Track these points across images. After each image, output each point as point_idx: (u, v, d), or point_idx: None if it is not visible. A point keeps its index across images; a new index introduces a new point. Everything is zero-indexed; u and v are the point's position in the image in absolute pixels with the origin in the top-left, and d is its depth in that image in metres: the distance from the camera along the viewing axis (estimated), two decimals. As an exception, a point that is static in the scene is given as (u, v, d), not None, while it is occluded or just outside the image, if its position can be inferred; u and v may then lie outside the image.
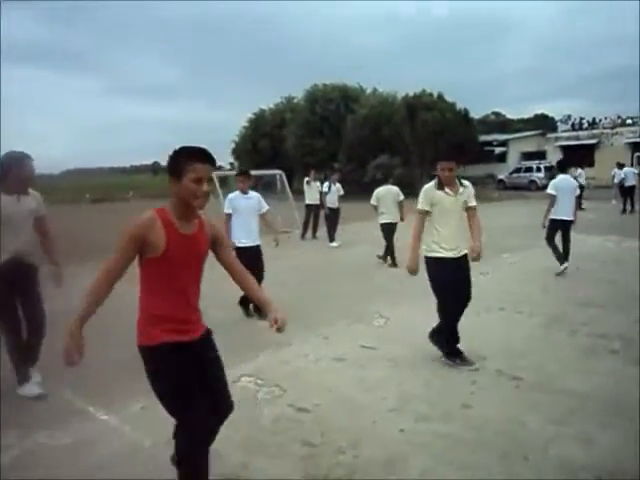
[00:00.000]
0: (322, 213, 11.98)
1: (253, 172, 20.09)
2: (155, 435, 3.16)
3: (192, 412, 2.33)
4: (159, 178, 55.67)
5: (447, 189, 4.23)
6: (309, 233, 12.71)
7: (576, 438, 3.13)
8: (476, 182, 29.90)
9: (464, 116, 29.41)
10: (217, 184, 14.48)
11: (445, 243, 4.25)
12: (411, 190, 27.70)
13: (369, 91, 31.84)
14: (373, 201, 9.14)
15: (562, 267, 7.59)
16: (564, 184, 7.73)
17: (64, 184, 50.63)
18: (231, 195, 5.97)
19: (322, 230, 12.29)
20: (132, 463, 3.00)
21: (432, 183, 4.32)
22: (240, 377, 4.19)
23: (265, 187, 26.28)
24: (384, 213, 8.97)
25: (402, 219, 8.95)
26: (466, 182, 4.43)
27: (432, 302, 4.50)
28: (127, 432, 3.40)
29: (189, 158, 2.28)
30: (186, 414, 2.34)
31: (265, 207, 6.11)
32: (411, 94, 29.39)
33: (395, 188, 9.09)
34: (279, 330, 2.52)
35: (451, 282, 4.27)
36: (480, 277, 7.67)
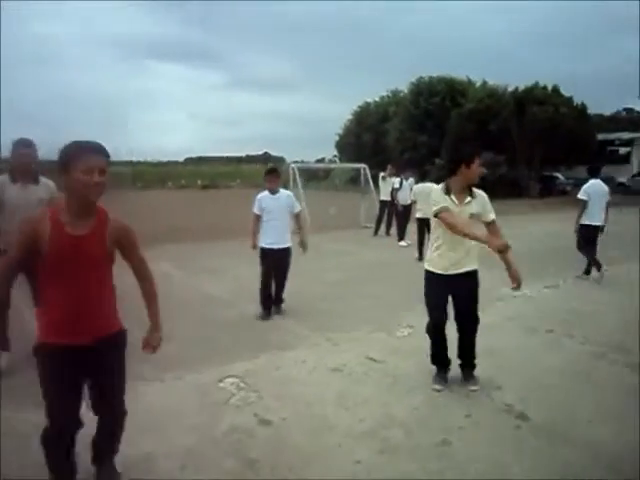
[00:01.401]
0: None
1: (338, 165, 20.26)
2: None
3: (54, 413, 2.27)
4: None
5: (453, 196, 3.67)
6: (382, 230, 12.28)
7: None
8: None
9: (580, 111, 26.71)
10: (297, 175, 14.52)
11: (439, 257, 3.73)
12: (516, 190, 25.90)
13: (478, 84, 30.10)
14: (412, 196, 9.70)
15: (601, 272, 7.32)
16: (595, 189, 7.51)
17: (185, 171, 54.38)
18: (259, 195, 5.78)
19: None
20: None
21: (440, 186, 3.78)
22: (225, 378, 4.03)
23: (354, 180, 26.19)
24: (421, 210, 9.08)
25: None
26: (479, 191, 3.79)
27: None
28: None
29: (78, 150, 2.16)
30: (50, 413, 2.28)
31: (297, 207, 5.88)
32: (522, 87, 27.27)
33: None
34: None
35: (437, 301, 3.80)
36: (544, 291, 6.87)
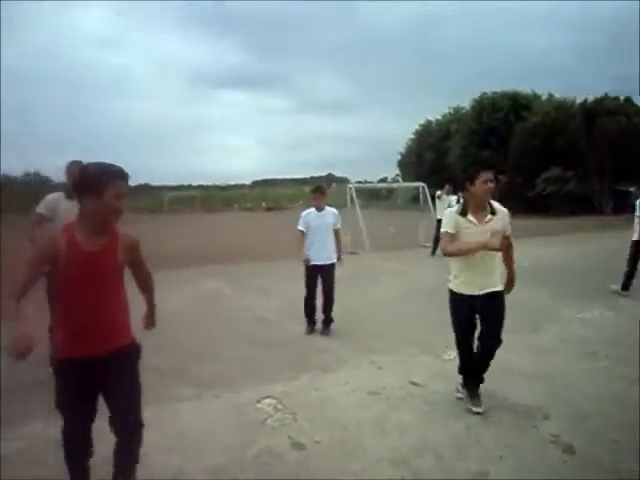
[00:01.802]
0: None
1: (396, 184, 20.08)
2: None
3: (66, 423, 2.44)
4: (331, 189, 58.22)
5: (471, 216, 3.53)
6: (439, 250, 12.00)
7: None
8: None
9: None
10: (354, 195, 14.53)
11: (458, 278, 3.62)
12: (588, 207, 24.64)
13: (544, 97, 29.10)
14: None
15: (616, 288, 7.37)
16: None
17: (251, 194, 56.22)
18: (305, 212, 5.86)
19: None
20: None
21: (455, 208, 3.67)
22: (263, 398, 4.04)
23: (416, 199, 25.83)
24: None
25: None
26: (499, 206, 3.64)
27: (525, 340, 3.83)
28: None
29: (110, 176, 2.26)
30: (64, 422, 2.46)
31: (338, 224, 5.90)
32: (591, 99, 26.07)
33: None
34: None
35: (465, 323, 3.70)
36: (605, 314, 6.44)
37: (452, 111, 36.87)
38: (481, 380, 3.82)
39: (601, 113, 24.40)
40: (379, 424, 3.59)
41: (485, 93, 31.53)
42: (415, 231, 15.19)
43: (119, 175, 2.30)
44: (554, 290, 7.79)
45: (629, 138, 22.57)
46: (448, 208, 3.97)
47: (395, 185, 26.59)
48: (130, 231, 2.52)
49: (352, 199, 14.60)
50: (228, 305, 7.17)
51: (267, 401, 4.00)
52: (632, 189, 25.76)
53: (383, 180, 43.98)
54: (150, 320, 2.85)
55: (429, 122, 38.63)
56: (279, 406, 3.91)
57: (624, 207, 24.44)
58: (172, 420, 3.66)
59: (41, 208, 4.45)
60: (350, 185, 15.22)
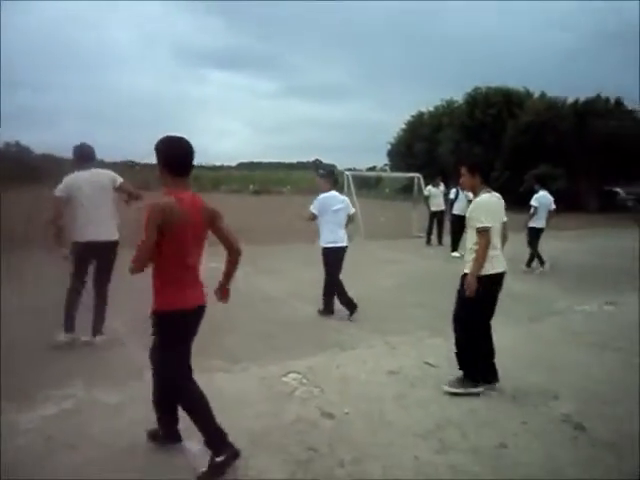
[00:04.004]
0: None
1: (392, 174, 20.21)
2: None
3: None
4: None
5: None
6: (434, 239, 12.34)
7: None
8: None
9: (644, 125, 25.69)
10: (351, 182, 14.71)
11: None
12: (575, 204, 25.10)
13: (536, 95, 29.48)
14: None
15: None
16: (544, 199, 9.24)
17: (237, 176, 55.77)
18: (322, 196, 5.99)
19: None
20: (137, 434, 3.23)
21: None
22: (288, 373, 4.25)
23: (405, 189, 26.12)
24: None
25: None
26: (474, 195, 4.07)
27: (528, 330, 4.06)
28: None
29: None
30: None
31: (352, 209, 6.22)
32: (583, 99, 26.51)
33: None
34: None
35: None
36: (604, 308, 6.78)
37: (445, 104, 37.13)
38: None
39: (591, 115, 24.88)
40: (400, 400, 3.84)
41: (478, 88, 31.78)
42: (406, 221, 15.46)
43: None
44: (548, 284, 8.15)
45: (617, 140, 23.08)
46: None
47: (388, 174, 26.81)
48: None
49: (349, 186, 14.75)
50: (241, 286, 7.34)
51: (292, 375, 4.22)
52: (618, 189, 26.46)
53: (372, 169, 43.96)
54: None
55: (421, 113, 38.82)
56: (304, 380, 4.13)
57: (610, 206, 25.11)
58: (207, 389, 3.85)
59: (59, 191, 4.57)
60: (347, 172, 15.36)
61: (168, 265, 2.74)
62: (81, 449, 3.04)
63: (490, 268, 3.92)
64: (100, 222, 4.60)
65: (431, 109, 38.36)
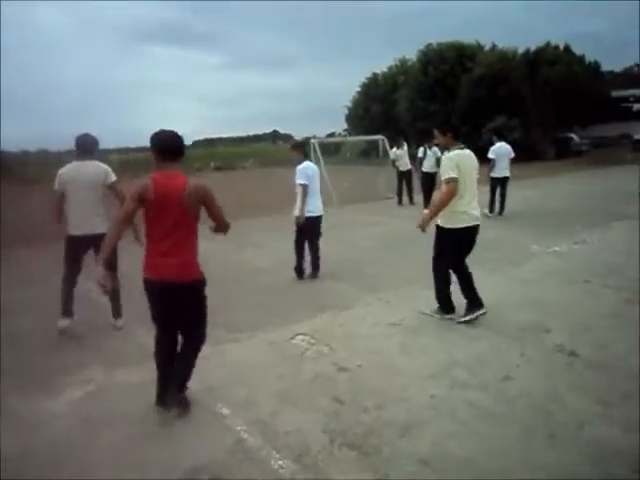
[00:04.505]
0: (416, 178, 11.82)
1: (355, 138, 20.22)
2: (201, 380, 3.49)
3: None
4: (278, 146, 57.71)
5: None
6: (405, 199, 12.60)
7: (619, 422, 2.92)
8: (608, 142, 27.08)
9: (594, 69, 26.45)
10: (318, 150, 14.74)
11: None
12: (532, 153, 25.88)
13: (487, 48, 29.80)
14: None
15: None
16: (501, 150, 9.85)
17: (195, 154, 54.68)
18: (301, 166, 6.02)
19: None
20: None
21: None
22: (295, 335, 4.44)
23: (365, 153, 26.25)
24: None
25: None
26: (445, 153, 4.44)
27: (509, 273, 4.35)
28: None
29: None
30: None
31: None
32: (533, 49, 26.98)
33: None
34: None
35: None
36: (574, 247, 7.19)
37: (398, 63, 37.13)
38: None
39: (542, 63, 25.41)
40: (407, 348, 4.08)
41: (430, 44, 31.91)
42: (371, 184, 15.67)
43: None
44: (518, 229, 8.55)
45: (569, 86, 23.73)
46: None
47: (353, 139, 26.80)
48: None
49: (316, 154, 14.78)
50: (227, 260, 7.44)
51: (299, 337, 4.41)
52: (572, 135, 27.31)
53: (331, 135, 43.96)
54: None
55: (375, 75, 38.67)
56: (312, 341, 4.33)
57: (565, 153, 25.95)
58: (222, 358, 4.02)
59: (55, 184, 4.61)
60: (313, 140, 15.36)
61: (148, 236, 3.13)
62: (120, 426, 3.16)
63: (460, 222, 4.32)
64: (88, 216, 4.56)
65: (385, 70, 38.29)
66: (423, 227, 4.51)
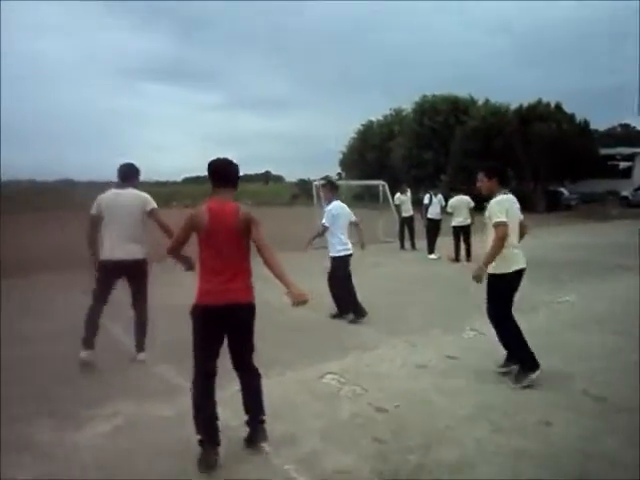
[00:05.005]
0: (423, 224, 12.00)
1: (357, 182, 20.37)
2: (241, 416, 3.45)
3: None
4: (269, 187, 58.37)
5: None
6: (408, 244, 12.77)
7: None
8: (596, 198, 27.71)
9: (583, 128, 27.50)
10: (321, 192, 14.92)
11: None
12: (524, 206, 26.43)
13: (480, 102, 30.90)
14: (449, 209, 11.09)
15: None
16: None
17: (187, 190, 54.92)
18: (330, 207, 6.22)
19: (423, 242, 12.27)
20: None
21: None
22: (325, 374, 4.43)
23: (360, 197, 26.61)
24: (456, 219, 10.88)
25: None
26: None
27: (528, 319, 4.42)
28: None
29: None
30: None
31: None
32: (525, 105, 28.04)
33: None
34: (294, 304, 3.16)
35: None
36: (583, 296, 7.33)
37: (393, 112, 38.25)
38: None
39: (534, 119, 26.36)
40: (440, 390, 4.10)
41: (425, 96, 33.05)
42: (369, 227, 15.84)
43: None
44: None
45: (559, 143, 24.56)
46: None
47: (355, 183, 27.14)
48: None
49: (318, 195, 14.99)
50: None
51: (329, 376, 4.40)
52: (562, 190, 28.08)
53: (324, 178, 44.53)
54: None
55: (371, 122, 39.80)
56: (342, 380, 4.32)
57: (555, 206, 26.61)
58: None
59: (92, 209, 4.69)
60: (316, 182, 15.62)
61: (203, 263, 3.14)
62: (159, 461, 3.11)
63: (512, 265, 4.26)
64: (123, 242, 4.60)
65: (380, 118, 39.38)
66: (479, 277, 4.22)
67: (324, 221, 6.11)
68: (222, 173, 3.27)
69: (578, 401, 3.87)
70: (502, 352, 4.53)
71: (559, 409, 3.73)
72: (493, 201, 4.34)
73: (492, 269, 4.27)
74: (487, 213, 4.36)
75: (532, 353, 4.22)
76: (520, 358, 4.29)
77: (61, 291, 7.96)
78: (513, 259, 4.27)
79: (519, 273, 4.31)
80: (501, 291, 4.33)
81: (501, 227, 4.18)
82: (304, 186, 43.02)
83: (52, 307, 6.98)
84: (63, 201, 31.82)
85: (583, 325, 5.89)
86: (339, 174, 43.59)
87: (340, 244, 6.14)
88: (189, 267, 3.69)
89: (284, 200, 39.94)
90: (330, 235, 6.16)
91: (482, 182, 4.45)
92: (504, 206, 4.27)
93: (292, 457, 3.10)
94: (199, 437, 3.05)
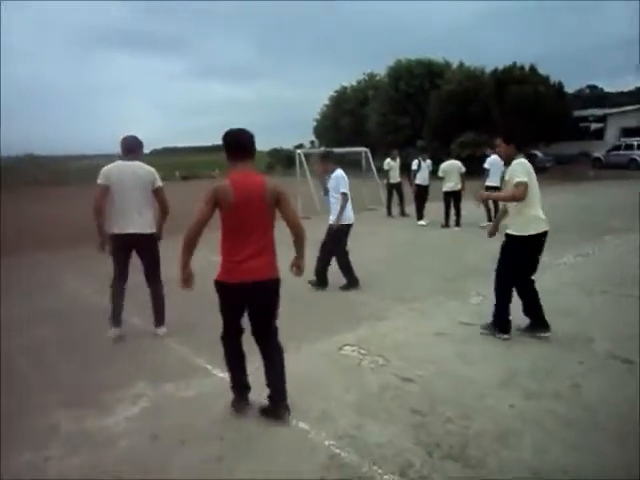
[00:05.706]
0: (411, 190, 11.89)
1: (341, 149, 20.11)
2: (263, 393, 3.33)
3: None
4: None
5: None
6: (396, 210, 12.69)
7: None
8: (569, 160, 28.14)
9: (558, 90, 27.63)
10: (304, 160, 14.68)
11: None
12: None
13: (455, 66, 30.67)
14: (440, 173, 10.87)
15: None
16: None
17: (156, 163, 53.60)
18: (341, 173, 6.06)
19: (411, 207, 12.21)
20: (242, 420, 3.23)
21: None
22: (343, 346, 4.35)
23: (349, 165, 26.40)
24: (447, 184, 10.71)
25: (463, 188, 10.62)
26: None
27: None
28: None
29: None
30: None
31: None
32: (501, 68, 27.95)
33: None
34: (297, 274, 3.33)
35: None
36: (578, 259, 7.39)
37: (367, 77, 37.71)
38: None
39: (510, 82, 26.33)
40: (463, 358, 4.05)
41: (400, 60, 32.58)
42: (355, 194, 15.69)
43: None
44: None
45: (536, 106, 24.64)
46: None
47: (336, 150, 26.71)
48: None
49: (301, 164, 14.73)
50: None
51: (348, 348, 4.32)
52: (536, 152, 28.30)
53: (298, 147, 44.00)
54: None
55: (344, 88, 39.18)
56: (362, 351, 4.24)
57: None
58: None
59: (99, 179, 4.47)
60: (298, 151, 15.33)
61: (227, 239, 3.05)
62: (194, 443, 2.99)
63: (531, 229, 4.21)
64: (134, 214, 4.47)
65: (354, 84, 38.78)
66: (493, 233, 4.68)
67: (343, 190, 5.95)
68: (240, 144, 3.12)
69: (606, 364, 3.88)
70: (515, 315, 4.50)
71: (590, 372, 3.73)
72: (515, 162, 4.27)
73: (512, 230, 4.30)
74: (507, 175, 4.30)
75: (509, 321, 4.42)
76: (495, 317, 4.47)
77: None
78: (535, 222, 4.23)
79: (538, 237, 4.26)
80: (517, 254, 4.32)
81: (522, 187, 4.13)
82: (277, 155, 42.44)
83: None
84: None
85: (583, 285, 5.95)
86: (312, 142, 43.11)
87: (347, 213, 6.02)
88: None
89: (259, 170, 39.30)
90: (338, 203, 6.01)
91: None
92: (526, 168, 4.22)
93: (333, 434, 3.02)
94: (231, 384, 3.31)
